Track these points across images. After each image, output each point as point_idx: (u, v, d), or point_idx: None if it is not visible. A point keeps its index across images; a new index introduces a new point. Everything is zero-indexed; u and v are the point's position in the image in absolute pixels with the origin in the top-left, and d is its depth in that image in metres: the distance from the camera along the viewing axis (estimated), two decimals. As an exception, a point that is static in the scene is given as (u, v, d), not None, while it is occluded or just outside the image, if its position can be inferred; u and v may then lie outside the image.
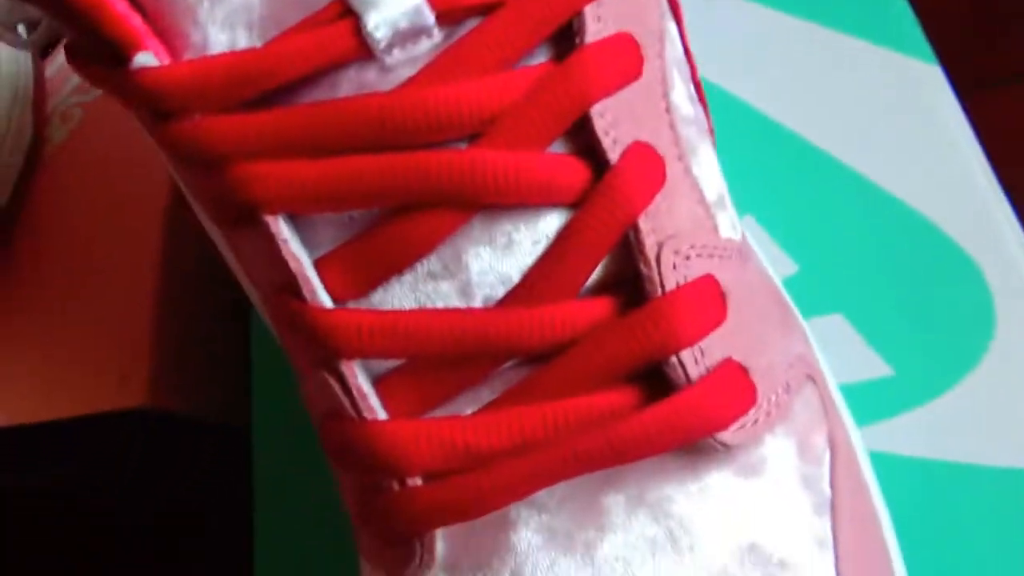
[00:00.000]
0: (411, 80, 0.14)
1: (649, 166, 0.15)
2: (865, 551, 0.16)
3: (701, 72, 0.27)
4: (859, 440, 0.18)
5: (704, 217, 0.16)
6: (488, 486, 0.14)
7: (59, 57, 0.31)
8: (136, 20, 0.14)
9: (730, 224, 0.17)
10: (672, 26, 0.17)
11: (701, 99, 0.18)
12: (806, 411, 0.16)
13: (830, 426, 0.17)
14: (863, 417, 0.21)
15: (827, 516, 0.15)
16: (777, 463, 0.15)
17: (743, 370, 0.15)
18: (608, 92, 0.15)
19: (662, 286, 0.14)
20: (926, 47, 0.26)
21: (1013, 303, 0.22)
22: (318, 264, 0.15)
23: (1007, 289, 0.22)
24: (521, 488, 0.14)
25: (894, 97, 0.25)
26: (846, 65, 0.26)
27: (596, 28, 0.15)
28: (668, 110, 0.16)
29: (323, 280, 0.15)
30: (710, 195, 0.16)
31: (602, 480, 0.15)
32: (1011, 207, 0.23)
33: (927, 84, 0.25)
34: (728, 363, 0.15)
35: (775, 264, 0.23)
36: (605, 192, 0.14)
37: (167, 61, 0.14)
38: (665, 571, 0.14)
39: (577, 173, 0.14)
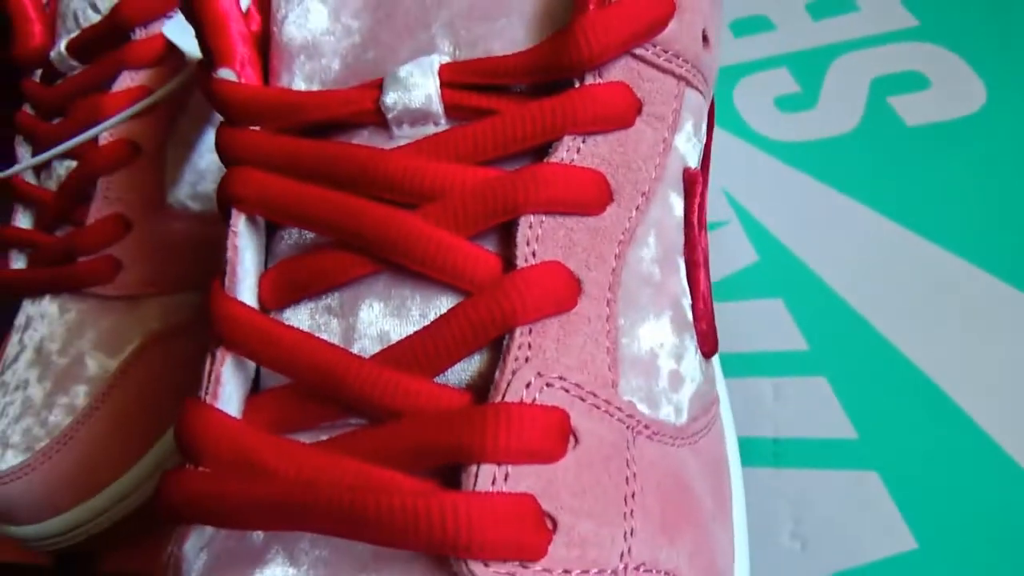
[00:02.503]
0: (394, 148, 0.16)
1: (556, 289, 0.15)
2: None
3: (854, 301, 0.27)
4: None
5: (602, 366, 0.15)
6: (250, 499, 0.14)
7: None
8: (241, 48, 0.18)
9: (645, 396, 0.16)
10: (675, 197, 0.18)
11: (694, 280, 0.18)
12: None
13: None
14: None
15: None
16: None
17: (541, 517, 0.14)
18: (546, 207, 0.15)
19: (504, 397, 0.14)
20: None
21: None
22: (264, 275, 0.17)
23: None
24: (279, 518, 0.14)
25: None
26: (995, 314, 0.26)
27: (567, 154, 0.16)
28: (619, 257, 0.16)
29: (260, 288, 0.17)
30: (626, 352, 0.16)
31: (358, 569, 0.14)
32: None
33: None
34: (524, 499, 0.14)
35: (894, 538, 0.23)
36: (493, 292, 0.15)
37: (243, 80, 0.18)
38: None
39: (487, 268, 0.15)
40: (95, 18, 0.32)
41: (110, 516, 0.30)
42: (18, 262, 0.32)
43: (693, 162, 0.19)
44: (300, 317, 0.16)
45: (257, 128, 0.18)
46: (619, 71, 0.17)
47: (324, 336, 0.16)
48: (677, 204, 0.18)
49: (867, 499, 0.24)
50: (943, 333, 0.26)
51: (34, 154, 0.33)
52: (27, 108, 0.33)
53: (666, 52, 0.17)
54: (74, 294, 0.31)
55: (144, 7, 0.31)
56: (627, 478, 0.15)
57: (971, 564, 0.22)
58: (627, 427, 0.16)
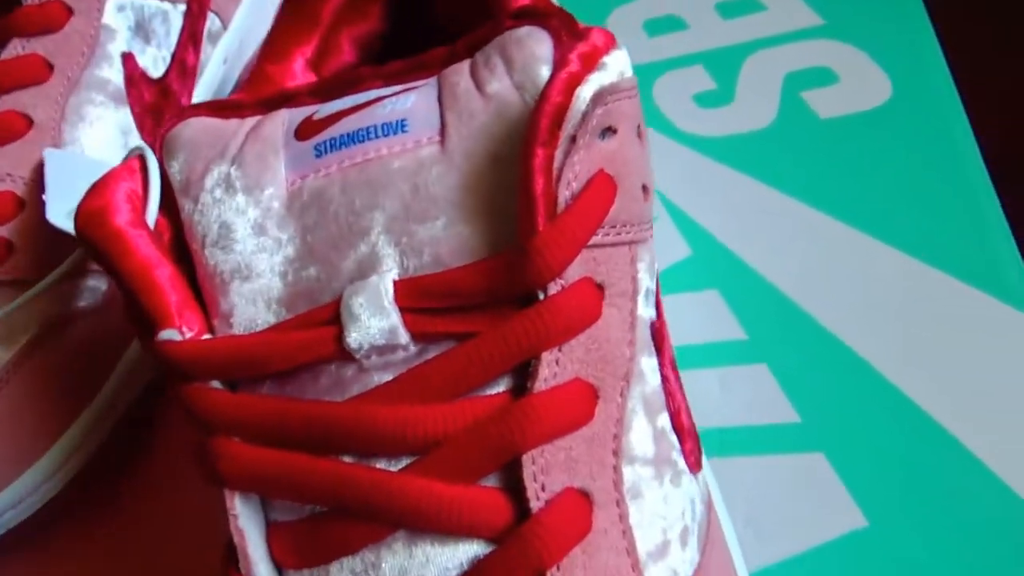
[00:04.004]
0: (373, 392, 0.16)
1: (573, 518, 0.15)
2: None
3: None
4: None
5: (627, 570, 0.16)
6: None
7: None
8: (171, 297, 0.17)
9: (669, 572, 0.17)
10: (647, 361, 0.18)
11: (679, 423, 0.18)
12: None
13: None
14: None
15: None
16: None
17: None
18: (546, 440, 0.15)
19: None
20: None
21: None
22: (272, 528, 0.17)
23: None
24: None
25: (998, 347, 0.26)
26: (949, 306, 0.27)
27: (550, 373, 0.16)
28: (616, 453, 0.16)
29: (271, 544, 0.17)
30: (644, 545, 0.16)
31: None
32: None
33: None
34: None
35: (845, 517, 0.23)
36: (517, 543, 0.15)
37: (189, 335, 0.17)
38: None
39: (500, 513, 0.15)
40: (-21, -18, 0.29)
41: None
42: None
43: (652, 311, 0.18)
44: None
45: (217, 384, 0.17)
46: (578, 266, 0.16)
47: None
48: (651, 367, 0.18)
49: (815, 481, 0.24)
50: (870, 313, 0.27)
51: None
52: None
53: (614, 228, 0.17)
54: (-40, 282, 0.28)
55: (34, -28, 0.29)
56: None
57: (921, 536, 0.23)
58: None
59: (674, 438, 0.18)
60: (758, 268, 0.28)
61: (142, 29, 0.31)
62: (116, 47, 0.30)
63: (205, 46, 0.36)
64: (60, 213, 0.25)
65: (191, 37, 0.35)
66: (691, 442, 0.19)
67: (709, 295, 0.28)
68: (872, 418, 0.25)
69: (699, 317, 0.28)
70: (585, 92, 0.16)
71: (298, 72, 0.24)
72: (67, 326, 0.28)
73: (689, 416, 0.19)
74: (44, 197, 0.26)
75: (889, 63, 0.32)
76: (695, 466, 0.19)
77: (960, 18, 0.34)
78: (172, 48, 0.33)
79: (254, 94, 0.21)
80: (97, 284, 0.29)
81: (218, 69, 0.37)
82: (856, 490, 0.24)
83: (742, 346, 0.27)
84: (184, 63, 0.34)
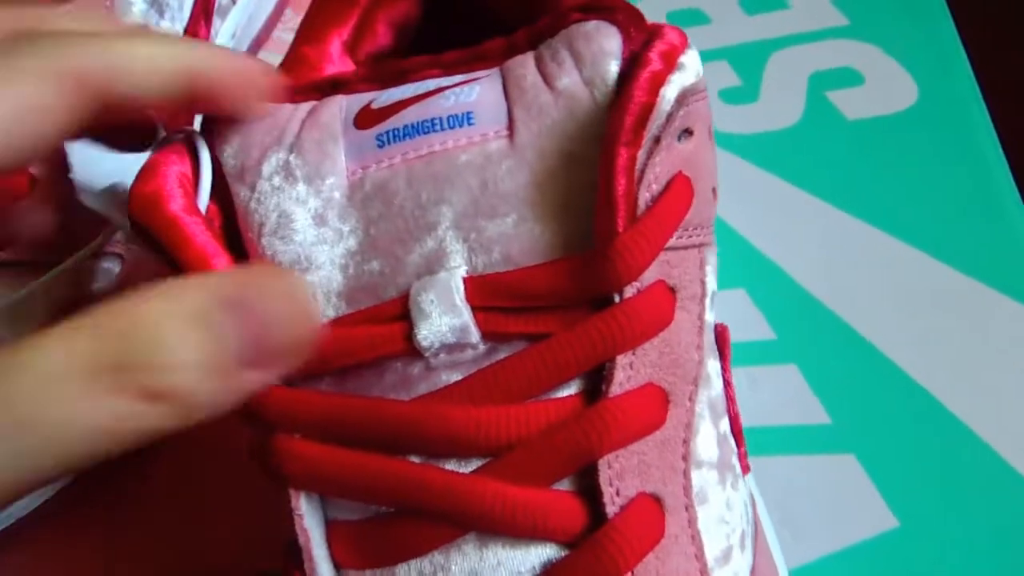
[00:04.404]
0: (442, 392, 0.16)
1: (648, 524, 0.15)
2: None
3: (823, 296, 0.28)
4: None
5: (696, 574, 0.16)
6: None
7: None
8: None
9: None
10: (713, 364, 0.18)
11: (737, 427, 0.18)
12: None
13: None
14: None
15: None
16: None
17: None
18: (621, 445, 0.15)
19: None
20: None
21: None
22: (331, 527, 0.16)
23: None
24: None
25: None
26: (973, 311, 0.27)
27: (625, 377, 0.16)
28: (685, 457, 0.16)
29: (331, 543, 0.16)
30: (711, 550, 0.16)
31: None
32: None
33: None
34: None
35: (877, 517, 0.24)
36: (593, 548, 0.15)
37: None
38: None
39: (575, 517, 0.15)
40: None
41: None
42: None
43: (714, 314, 0.18)
44: None
45: (285, 384, 0.16)
46: (653, 269, 0.16)
47: None
48: (715, 371, 0.18)
49: (847, 481, 0.24)
50: (896, 315, 0.27)
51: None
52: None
53: (686, 231, 0.17)
54: (-38, 261, 0.27)
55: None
56: None
57: (951, 537, 0.23)
58: None
59: (733, 442, 0.18)
60: (785, 267, 0.28)
61: (157, 2, 0.30)
62: (131, 20, 0.29)
63: (214, 20, 0.35)
64: (90, 193, 0.24)
65: (203, 10, 0.34)
66: (743, 445, 0.19)
67: (736, 294, 0.28)
68: (902, 420, 0.25)
69: (726, 315, 0.27)
70: (669, 92, 0.16)
71: (335, 55, 0.23)
72: (80, 309, 0.27)
73: (739, 419, 0.19)
74: (72, 176, 0.25)
75: (915, 67, 0.32)
76: (746, 469, 0.19)
77: (985, 23, 0.34)
78: (185, 22, 0.32)
79: (295, 77, 0.20)
80: (111, 266, 0.28)
81: (226, 44, 0.36)
82: (887, 491, 0.24)
83: (771, 346, 0.27)
84: (196, 37, 0.34)
